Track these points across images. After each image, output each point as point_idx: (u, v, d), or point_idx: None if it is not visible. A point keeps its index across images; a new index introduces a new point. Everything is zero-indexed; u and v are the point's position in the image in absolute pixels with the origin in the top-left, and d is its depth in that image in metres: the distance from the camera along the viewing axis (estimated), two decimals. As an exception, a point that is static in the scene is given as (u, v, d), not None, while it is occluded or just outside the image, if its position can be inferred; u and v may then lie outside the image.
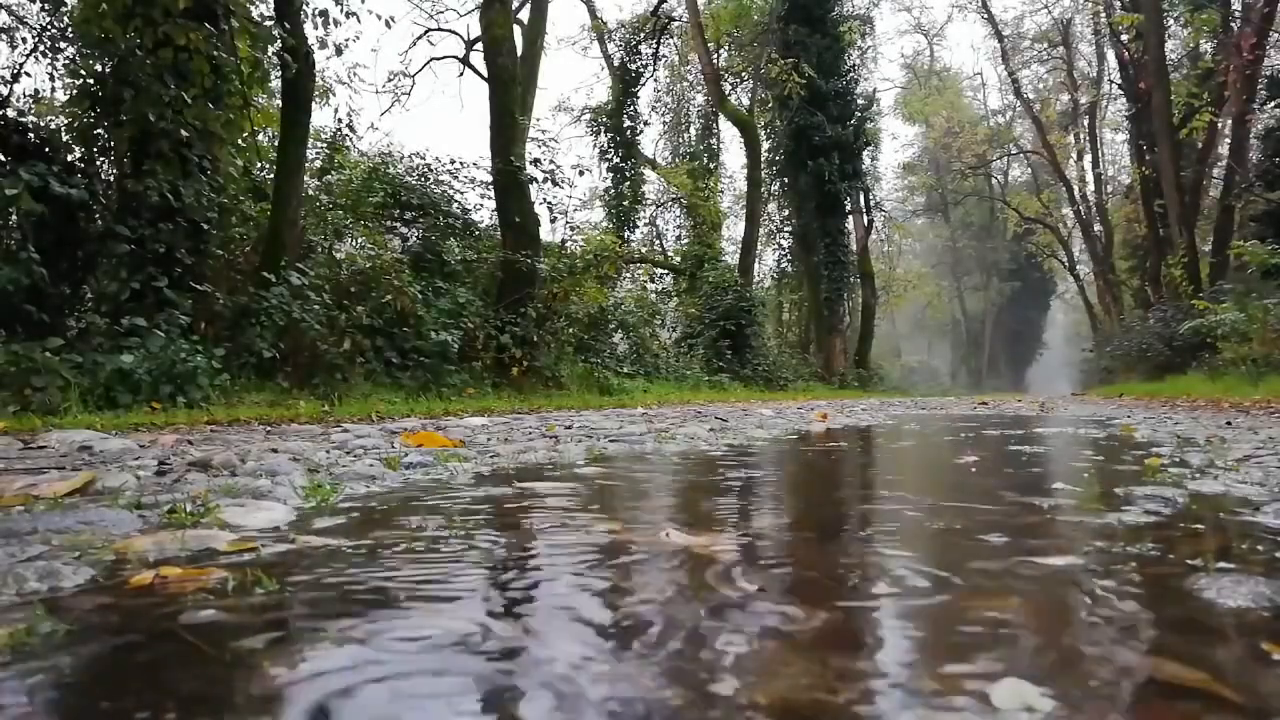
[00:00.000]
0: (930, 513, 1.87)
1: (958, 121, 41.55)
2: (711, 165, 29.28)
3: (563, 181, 14.41)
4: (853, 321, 31.58)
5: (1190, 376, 16.10)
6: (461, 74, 26.12)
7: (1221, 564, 1.29)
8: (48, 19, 8.69)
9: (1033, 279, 55.08)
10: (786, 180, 29.25)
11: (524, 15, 18.72)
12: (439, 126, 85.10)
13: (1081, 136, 37.01)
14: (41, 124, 8.29)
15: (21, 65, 8.35)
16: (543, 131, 15.31)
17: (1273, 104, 19.21)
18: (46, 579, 1.16)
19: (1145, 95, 23.12)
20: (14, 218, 7.04)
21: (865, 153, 30.19)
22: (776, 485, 2.60)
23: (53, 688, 0.80)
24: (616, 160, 28.11)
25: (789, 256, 32.20)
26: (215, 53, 8.00)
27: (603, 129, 28.22)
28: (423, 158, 14.80)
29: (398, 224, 14.16)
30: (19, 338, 6.52)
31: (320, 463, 2.81)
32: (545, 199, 14.19)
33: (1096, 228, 35.55)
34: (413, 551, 1.41)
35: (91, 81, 7.92)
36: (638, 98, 29.12)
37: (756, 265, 29.90)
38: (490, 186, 13.73)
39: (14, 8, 9.22)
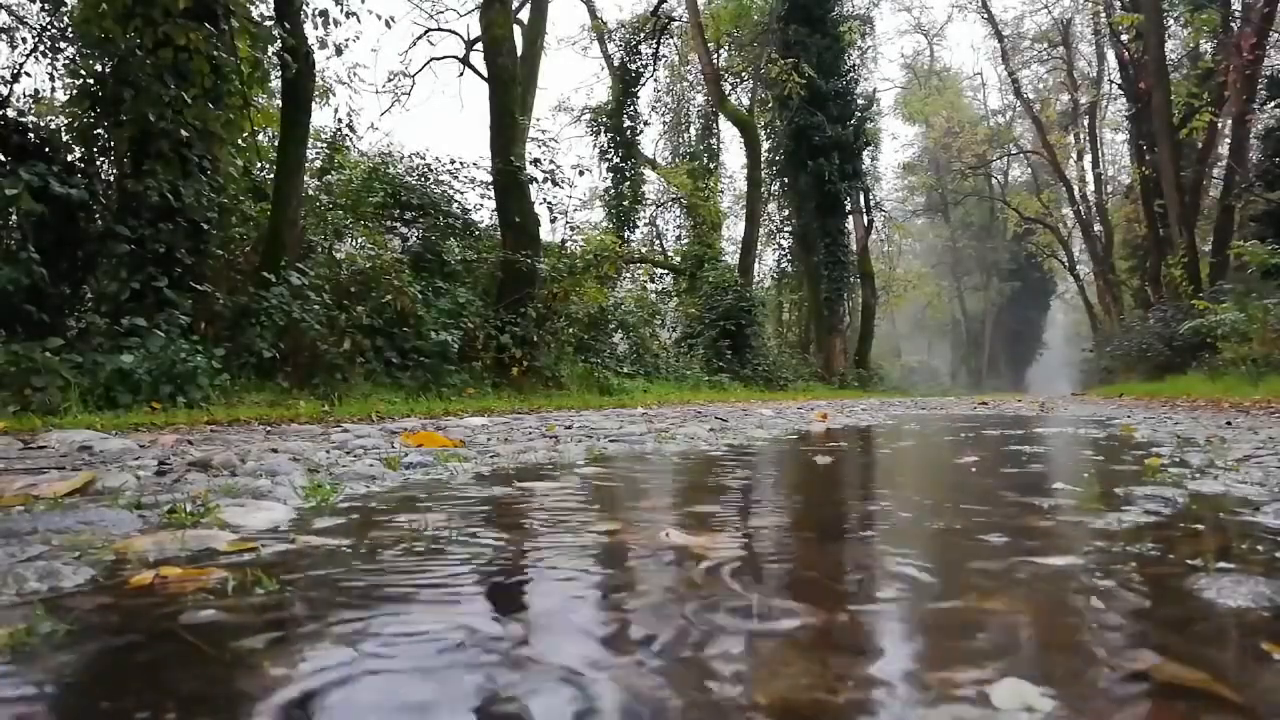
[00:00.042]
0: (930, 513, 1.87)
1: (958, 121, 41.55)
2: (711, 165, 29.28)
3: (563, 181, 14.42)
4: (853, 321, 31.58)
5: (1190, 376, 16.10)
6: (461, 74, 26.14)
7: (1221, 564, 1.29)
8: (48, 19, 8.69)
9: (1033, 279, 55.08)
10: (786, 180, 29.25)
11: (524, 15, 18.72)
12: (439, 126, 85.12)
13: (1081, 136, 37.01)
14: (41, 124, 8.29)
15: (21, 65, 8.36)
16: (543, 131, 15.33)
17: (1273, 104, 19.21)
18: (46, 579, 1.16)
19: (1145, 95, 23.13)
20: (14, 218, 7.04)
21: (865, 153, 30.20)
22: (776, 485, 2.60)
23: (53, 688, 0.80)
24: (616, 160, 28.11)
25: (789, 256, 32.20)
26: (215, 53, 8.00)
27: (603, 129, 28.22)
28: (423, 158, 14.81)
29: (398, 224, 14.16)
30: (19, 338, 6.52)
31: (320, 463, 2.81)
32: (545, 199, 14.21)
33: (1096, 228, 35.56)
34: (413, 552, 1.41)
35: (91, 81, 7.91)
36: (638, 98, 29.15)
37: (756, 265, 29.91)
38: (490, 186, 13.73)
39: (14, 8, 9.23)
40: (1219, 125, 22.59)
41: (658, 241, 30.90)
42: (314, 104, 10.55)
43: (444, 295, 11.52)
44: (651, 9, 28.47)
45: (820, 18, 26.96)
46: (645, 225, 30.30)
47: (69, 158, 7.99)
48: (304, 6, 9.51)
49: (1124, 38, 26.06)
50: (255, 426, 5.49)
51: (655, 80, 31.01)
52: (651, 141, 32.90)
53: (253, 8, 9.15)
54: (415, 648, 0.90)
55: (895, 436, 5.16)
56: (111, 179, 8.21)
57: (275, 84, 10.87)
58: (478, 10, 16.33)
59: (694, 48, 26.94)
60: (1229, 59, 20.27)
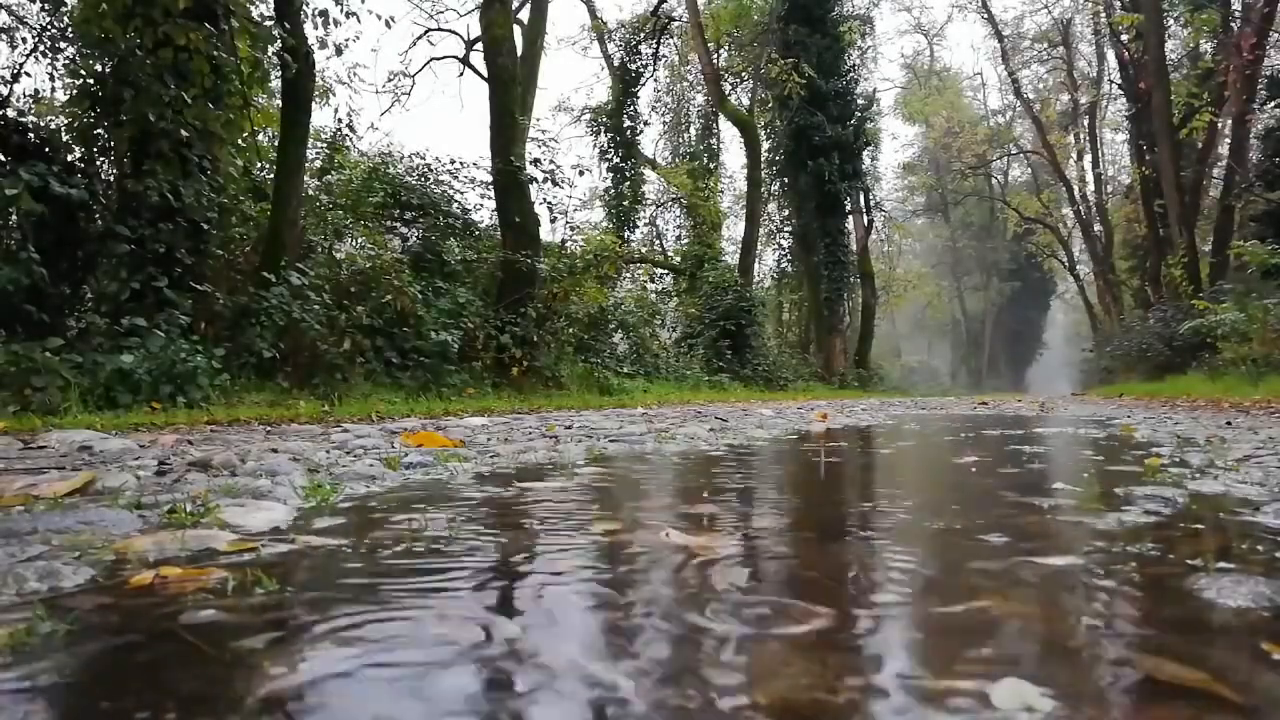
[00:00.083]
0: (930, 513, 1.87)
1: (958, 121, 41.55)
2: (711, 165, 29.29)
3: (563, 181, 14.43)
4: (853, 321, 31.58)
5: (1190, 376, 16.10)
6: (461, 74, 26.16)
7: (1221, 564, 1.29)
8: (48, 19, 8.69)
9: (1033, 279, 55.08)
10: (786, 180, 29.26)
11: (524, 15, 18.73)
12: (439, 126, 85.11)
13: (1081, 136, 37.01)
14: (41, 124, 8.29)
15: (21, 65, 8.36)
16: (543, 131, 15.34)
17: (1273, 104, 19.20)
18: (46, 579, 1.16)
19: (1145, 95, 23.13)
20: (14, 218, 7.04)
21: (865, 153, 30.20)
22: (776, 485, 2.60)
23: (53, 688, 0.80)
24: (616, 160, 28.12)
25: (789, 256, 32.20)
26: (215, 53, 8.00)
27: (603, 129, 28.22)
28: (423, 158, 14.81)
29: (398, 224, 14.17)
30: (19, 338, 6.52)
31: (320, 463, 2.81)
32: (545, 199, 14.22)
33: (1096, 228, 35.56)
34: (413, 552, 1.41)
35: (91, 81, 7.92)
36: (638, 98, 29.15)
37: (756, 265, 29.92)
38: (490, 186, 13.73)
39: (14, 8, 9.23)
40: (1219, 125, 22.59)
41: (658, 241, 30.90)
42: (314, 104, 10.55)
43: (444, 295, 11.52)
44: (651, 9, 28.47)
45: (820, 18, 26.96)
46: (645, 225, 30.33)
47: (69, 158, 7.99)
48: (304, 6, 9.51)
49: (1124, 38, 26.06)
50: (255, 426, 5.49)
51: (655, 80, 31.07)
52: (651, 141, 32.96)
53: (253, 8, 9.15)
54: (415, 648, 0.90)
55: (895, 436, 5.16)
56: (111, 179, 8.21)
57: (275, 84, 10.88)
58: (478, 10, 16.34)
59: (694, 48, 26.95)
60: (1229, 59, 20.27)
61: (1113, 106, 35.97)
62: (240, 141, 9.92)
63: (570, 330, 14.51)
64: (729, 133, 30.74)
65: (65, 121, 8.28)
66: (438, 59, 26.24)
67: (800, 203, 28.57)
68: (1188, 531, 1.63)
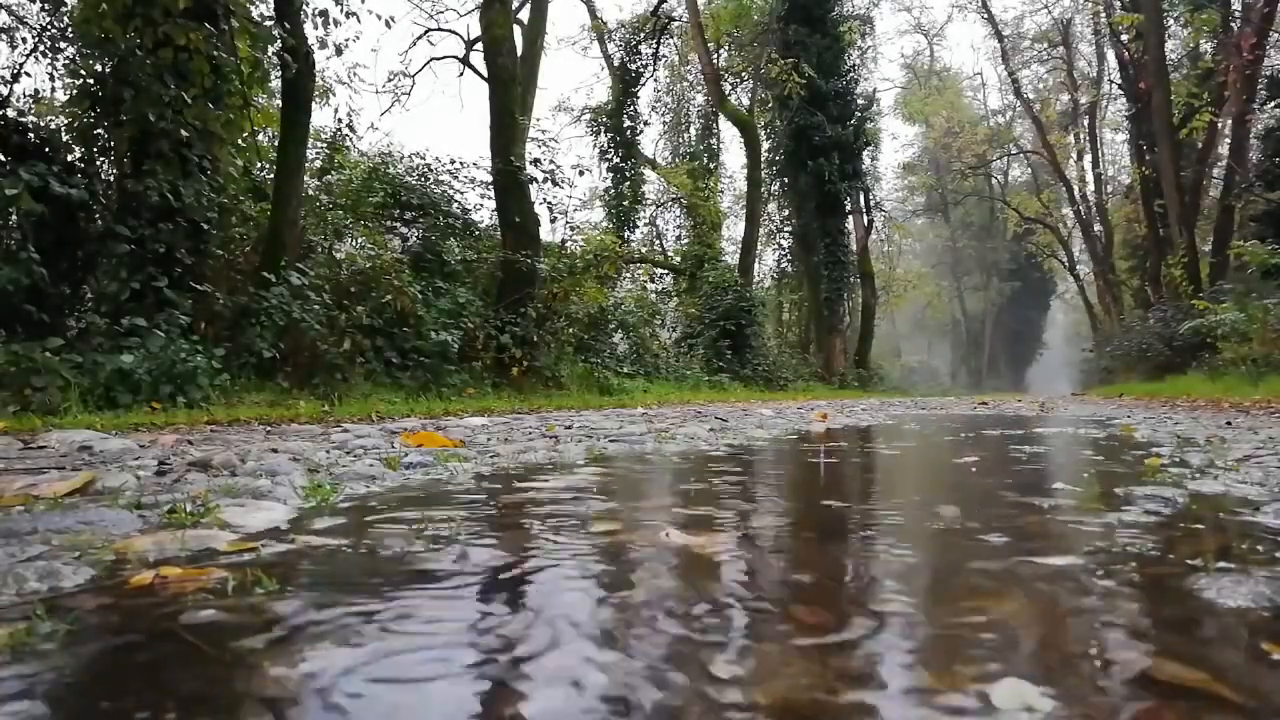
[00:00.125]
0: (930, 512, 1.87)
1: (958, 121, 41.54)
2: (711, 165, 29.28)
3: (563, 181, 14.42)
4: (853, 321, 31.58)
5: (1190, 376, 16.10)
6: (461, 74, 26.16)
7: (1221, 564, 1.29)
8: (48, 19, 8.69)
9: (1033, 279, 55.08)
10: (786, 180, 29.26)
11: (524, 15, 18.73)
12: (439, 126, 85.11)
13: (1081, 136, 37.01)
14: (41, 124, 8.29)
15: (21, 65, 8.36)
16: (543, 131, 15.33)
17: (1273, 104, 19.20)
18: (46, 579, 1.16)
19: (1145, 95, 23.13)
20: (14, 218, 7.04)
21: (865, 153, 30.20)
22: (776, 485, 2.60)
23: (53, 688, 0.80)
24: (616, 160, 28.12)
25: (789, 256, 32.20)
26: (215, 53, 8.00)
27: (603, 129, 28.22)
28: (423, 158, 14.81)
29: (398, 224, 14.16)
30: (19, 338, 6.52)
31: (320, 463, 2.81)
32: (545, 199, 14.22)
33: (1096, 228, 35.56)
34: (413, 552, 1.41)
35: (91, 81, 7.91)
36: (638, 98, 29.16)
37: (756, 265, 29.92)
38: (490, 186, 13.73)
39: (14, 8, 9.23)
40: (1219, 125, 22.58)
41: (658, 241, 30.90)
42: (314, 104, 10.55)
43: (444, 295, 11.52)
44: (651, 9, 28.47)
45: (820, 18, 26.96)
46: (645, 225, 30.33)
47: (69, 158, 7.99)
48: (304, 6, 9.51)
49: (1124, 38, 26.06)
50: (255, 426, 5.49)
51: (655, 80, 31.07)
52: (651, 141, 32.96)
53: (253, 8, 9.15)
54: (416, 648, 0.90)
55: (895, 436, 5.16)
56: (111, 179, 8.21)
57: (275, 84, 10.87)
58: (478, 10, 16.34)
59: (694, 48, 26.95)
60: (1229, 59, 20.26)
61: (1113, 106, 36.01)
62: (240, 141, 9.93)
63: (570, 330, 14.51)
64: (729, 133, 30.79)
65: (65, 121, 8.28)
66: (438, 59, 26.28)
67: (800, 203, 28.57)
68: (1188, 531, 1.63)
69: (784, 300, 33.52)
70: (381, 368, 9.72)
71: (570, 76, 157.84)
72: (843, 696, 0.77)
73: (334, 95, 16.01)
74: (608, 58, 29.53)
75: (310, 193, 11.84)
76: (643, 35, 28.78)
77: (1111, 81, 33.85)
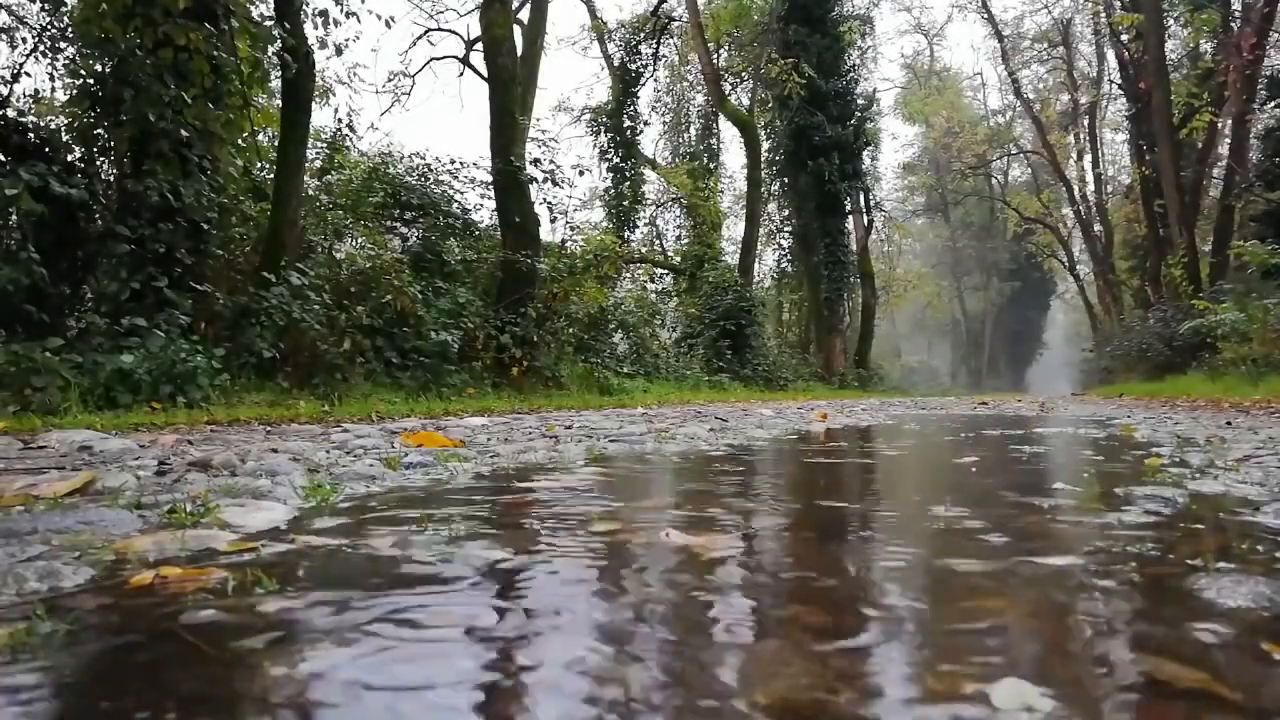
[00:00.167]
0: (930, 512, 1.87)
1: (958, 121, 41.54)
2: (711, 165, 29.28)
3: (563, 181, 14.42)
4: (853, 321, 31.58)
5: (1190, 376, 16.10)
6: (461, 74, 26.14)
7: (1221, 564, 1.29)
8: (48, 19, 8.69)
9: (1033, 279, 55.08)
10: (786, 180, 29.26)
11: (524, 15, 18.72)
12: (439, 126, 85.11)
13: (1081, 136, 37.01)
14: (41, 124, 8.29)
15: (21, 65, 8.36)
16: (543, 131, 15.33)
17: (1273, 104, 19.20)
18: (46, 579, 1.16)
19: (1145, 95, 23.13)
20: (14, 218, 7.04)
21: (865, 153, 30.20)
22: (776, 485, 2.60)
23: (53, 688, 0.80)
24: (616, 160, 28.12)
25: (789, 256, 32.20)
26: (215, 53, 8.00)
27: (603, 129, 28.22)
28: (423, 158, 14.81)
29: (398, 224, 14.16)
30: (19, 338, 6.52)
31: (320, 463, 2.81)
32: (545, 199, 14.22)
33: (1096, 228, 35.56)
34: (413, 552, 1.41)
35: (91, 81, 7.91)
36: (638, 98, 29.15)
37: (756, 265, 29.92)
38: (490, 186, 13.73)
39: (14, 8, 9.23)
40: (1219, 125, 22.59)
41: (658, 241, 30.90)
42: (314, 104, 10.55)
43: (444, 295, 11.52)
44: (651, 9, 28.47)
45: (820, 18, 26.96)
46: (645, 225, 30.33)
47: (69, 158, 7.99)
48: (304, 6, 9.51)
49: (1124, 38, 26.06)
50: (255, 426, 5.49)
51: (655, 80, 31.06)
52: (651, 141, 32.95)
53: (253, 8, 9.15)
54: (416, 648, 0.90)
55: (895, 436, 5.16)
56: (111, 179, 8.21)
57: (275, 84, 10.87)
58: (478, 10, 16.34)
59: (694, 48, 26.95)
60: (1229, 59, 20.26)
61: (1113, 106, 36.01)
62: (240, 141, 9.92)
63: (570, 330, 14.51)
64: (729, 133, 30.78)
65: (65, 121, 8.28)
66: (438, 59, 26.25)
67: (800, 203, 28.57)
68: (1188, 531, 1.63)
69: (784, 300, 33.52)
70: (381, 368, 9.72)
71: (570, 76, 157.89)
72: (842, 696, 0.77)
73: (334, 95, 16.03)
74: (608, 58, 29.53)
75: (310, 193, 11.84)
76: (643, 35, 28.78)
77: (1111, 81, 33.88)
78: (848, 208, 29.56)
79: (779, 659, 0.87)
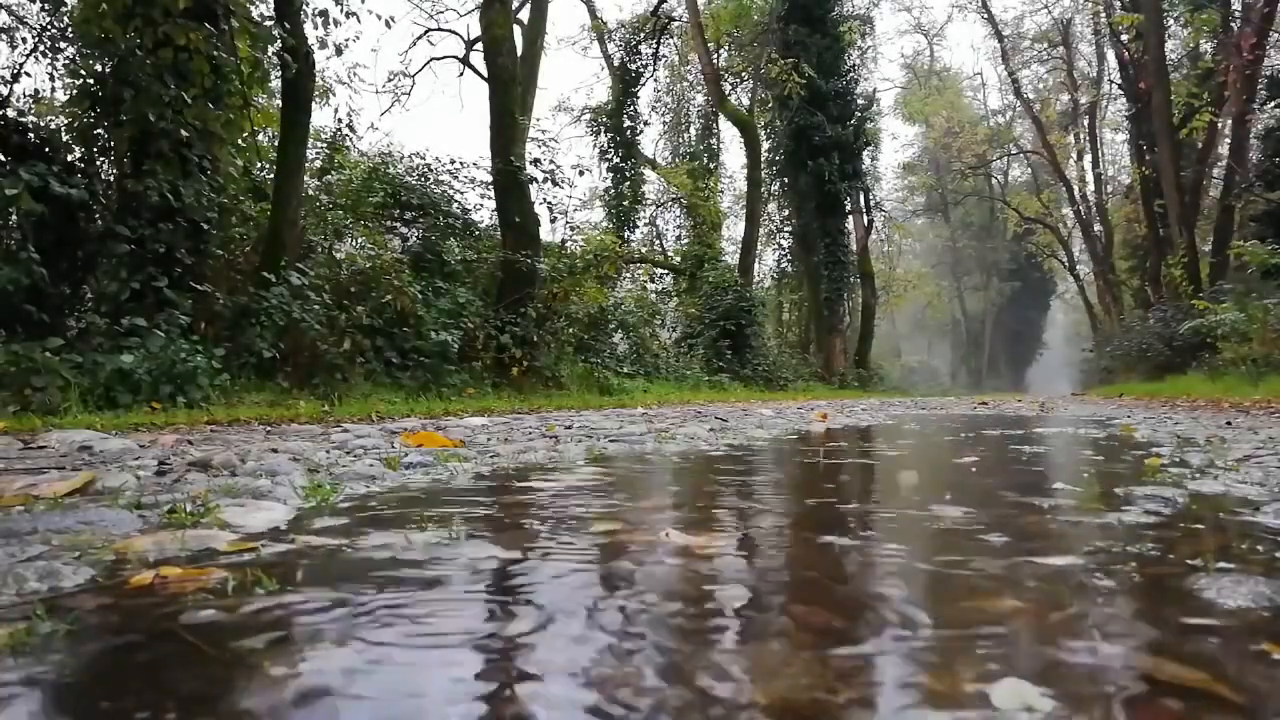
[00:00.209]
0: (930, 512, 1.87)
1: (958, 121, 41.54)
2: (711, 165, 29.28)
3: (563, 181, 14.42)
4: (853, 321, 31.58)
5: (1190, 376, 16.10)
6: (461, 74, 26.14)
7: (1221, 564, 1.29)
8: (48, 19, 8.69)
9: (1033, 279, 55.08)
10: (786, 180, 29.26)
11: (524, 15, 18.72)
12: (439, 126, 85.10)
13: (1081, 136, 37.01)
14: (41, 124, 8.29)
15: (21, 65, 8.36)
16: (543, 131, 15.33)
17: (1273, 104, 19.20)
18: (46, 579, 1.16)
19: (1145, 95, 23.13)
20: (14, 218, 7.04)
21: (865, 153, 30.20)
22: (776, 485, 2.60)
23: (53, 688, 0.80)
24: (616, 160, 28.12)
25: (789, 256, 32.20)
26: (215, 53, 8.00)
27: (603, 129, 28.22)
28: (423, 158, 14.81)
29: (398, 224, 14.17)
30: (19, 338, 6.52)
31: (320, 463, 2.81)
32: (545, 199, 14.22)
33: (1096, 228, 35.56)
34: (413, 552, 1.41)
35: (91, 81, 7.92)
36: (638, 98, 29.15)
37: (756, 265, 29.92)
38: (490, 186, 13.73)
39: (14, 8, 9.23)
40: (1219, 125, 22.59)
41: (658, 241, 30.90)
42: (314, 104, 10.55)
43: (444, 295, 11.52)
44: (651, 9, 28.47)
45: (820, 18, 26.96)
46: (645, 225, 30.34)
47: (69, 158, 7.99)
48: (304, 6, 9.51)
49: (1124, 38, 26.06)
50: (255, 426, 5.49)
51: (655, 80, 31.06)
52: (651, 141, 32.95)
53: (253, 8, 9.15)
54: (415, 648, 0.90)
55: (895, 436, 5.16)
56: (111, 179, 8.21)
57: (275, 84, 10.87)
58: (478, 10, 16.34)
59: (694, 48, 26.95)
60: (1229, 59, 20.26)
61: (1113, 106, 36.01)
62: (240, 141, 9.93)
63: (570, 330, 14.51)
64: (729, 133, 30.79)
65: (65, 121, 8.28)
66: (438, 59, 26.24)
67: (800, 203, 28.58)
68: (1188, 531, 1.63)
69: (784, 300, 33.52)
70: (381, 368, 9.72)
71: (570, 76, 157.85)
72: (842, 696, 0.77)
73: (334, 95, 16.03)
74: (608, 58, 29.53)
75: (310, 193, 11.84)
76: (643, 35, 28.78)
77: (1111, 81, 33.88)
78: (848, 208, 29.57)
79: (779, 658, 0.87)
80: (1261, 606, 1.05)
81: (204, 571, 1.23)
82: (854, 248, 30.48)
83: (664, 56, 30.27)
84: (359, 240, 12.64)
